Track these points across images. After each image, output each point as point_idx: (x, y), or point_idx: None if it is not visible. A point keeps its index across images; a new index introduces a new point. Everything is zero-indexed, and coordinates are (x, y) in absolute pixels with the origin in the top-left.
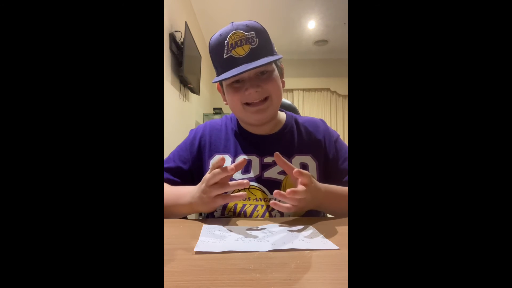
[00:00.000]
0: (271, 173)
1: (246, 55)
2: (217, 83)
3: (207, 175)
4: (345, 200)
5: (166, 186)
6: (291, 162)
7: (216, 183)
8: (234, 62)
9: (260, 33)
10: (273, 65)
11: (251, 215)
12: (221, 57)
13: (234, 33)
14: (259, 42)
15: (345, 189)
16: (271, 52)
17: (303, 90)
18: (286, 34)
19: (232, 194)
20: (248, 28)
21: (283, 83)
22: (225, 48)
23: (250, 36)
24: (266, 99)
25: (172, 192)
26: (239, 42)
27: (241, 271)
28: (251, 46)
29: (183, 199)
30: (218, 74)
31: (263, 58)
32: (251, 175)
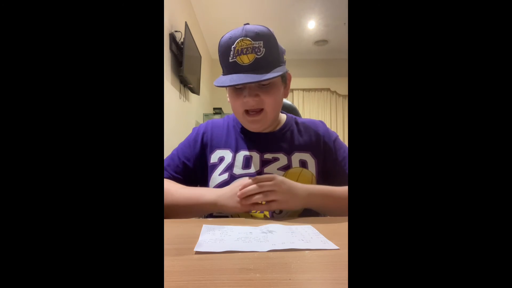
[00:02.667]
0: (271, 169)
1: (249, 64)
2: None
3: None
4: (339, 200)
5: (184, 188)
6: (291, 159)
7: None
8: (237, 68)
9: (269, 42)
10: None
11: (250, 211)
12: (227, 59)
13: (242, 40)
14: (265, 52)
15: (340, 189)
16: (277, 62)
17: (303, 90)
18: (286, 34)
19: (260, 205)
20: (258, 36)
21: (286, 92)
22: (232, 53)
23: (257, 46)
24: (261, 110)
25: (191, 192)
26: (245, 50)
27: (241, 271)
28: (256, 56)
29: (206, 196)
30: (223, 73)
31: (266, 70)
32: (252, 170)
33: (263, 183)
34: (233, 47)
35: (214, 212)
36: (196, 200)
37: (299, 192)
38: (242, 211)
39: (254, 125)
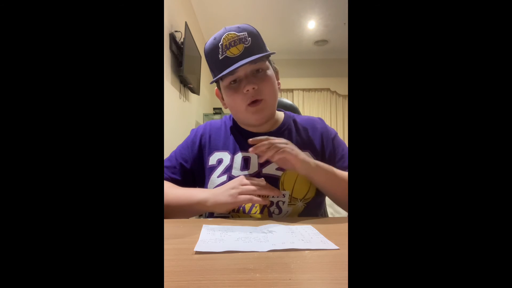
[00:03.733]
0: (269, 169)
1: (240, 54)
2: (215, 88)
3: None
4: (343, 182)
5: (175, 188)
6: None
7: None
8: (230, 62)
9: (252, 33)
10: (267, 63)
11: (249, 211)
12: (217, 59)
13: (227, 34)
14: (252, 41)
15: (344, 173)
16: (264, 51)
17: (303, 90)
18: (286, 34)
19: (255, 198)
20: (240, 29)
21: (279, 84)
22: (220, 50)
23: (243, 36)
24: (261, 100)
25: (183, 192)
26: (233, 42)
27: (241, 271)
28: (244, 45)
29: (198, 195)
30: (214, 77)
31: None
32: (250, 171)
33: (274, 140)
34: (221, 44)
35: (209, 212)
36: (188, 200)
37: (309, 159)
38: (234, 206)
39: (257, 116)
